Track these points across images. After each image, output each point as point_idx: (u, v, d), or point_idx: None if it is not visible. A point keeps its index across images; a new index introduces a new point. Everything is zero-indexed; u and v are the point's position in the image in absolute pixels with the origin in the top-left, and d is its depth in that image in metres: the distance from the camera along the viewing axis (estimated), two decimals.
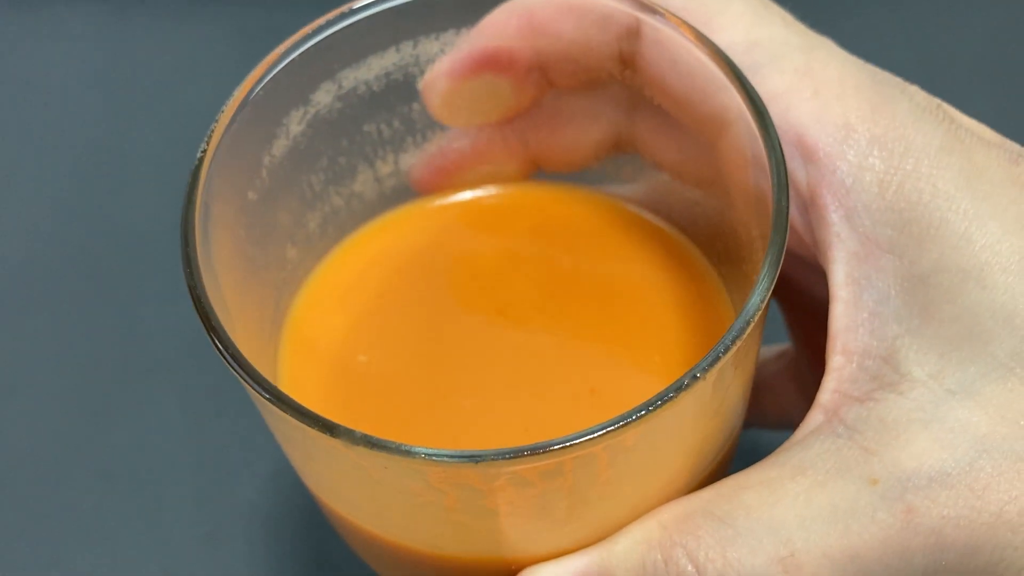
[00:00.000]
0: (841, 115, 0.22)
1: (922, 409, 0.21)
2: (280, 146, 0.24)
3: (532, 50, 0.25)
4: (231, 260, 0.22)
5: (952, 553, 0.20)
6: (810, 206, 0.22)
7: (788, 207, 0.20)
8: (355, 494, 0.21)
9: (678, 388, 0.18)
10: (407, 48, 0.25)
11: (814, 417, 0.22)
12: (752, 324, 0.19)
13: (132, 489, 0.35)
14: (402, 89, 0.26)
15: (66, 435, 0.36)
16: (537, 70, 0.26)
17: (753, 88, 0.21)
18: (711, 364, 0.18)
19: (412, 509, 0.20)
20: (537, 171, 0.29)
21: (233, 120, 0.22)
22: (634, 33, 0.24)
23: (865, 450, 0.21)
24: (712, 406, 0.20)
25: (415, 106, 0.26)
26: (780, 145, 0.20)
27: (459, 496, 0.19)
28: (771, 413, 0.30)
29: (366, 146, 0.27)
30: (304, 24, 0.23)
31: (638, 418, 0.18)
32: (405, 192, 0.28)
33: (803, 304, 0.28)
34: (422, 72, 0.26)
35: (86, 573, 0.34)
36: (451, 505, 0.19)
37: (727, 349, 0.18)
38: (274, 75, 0.23)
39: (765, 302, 0.19)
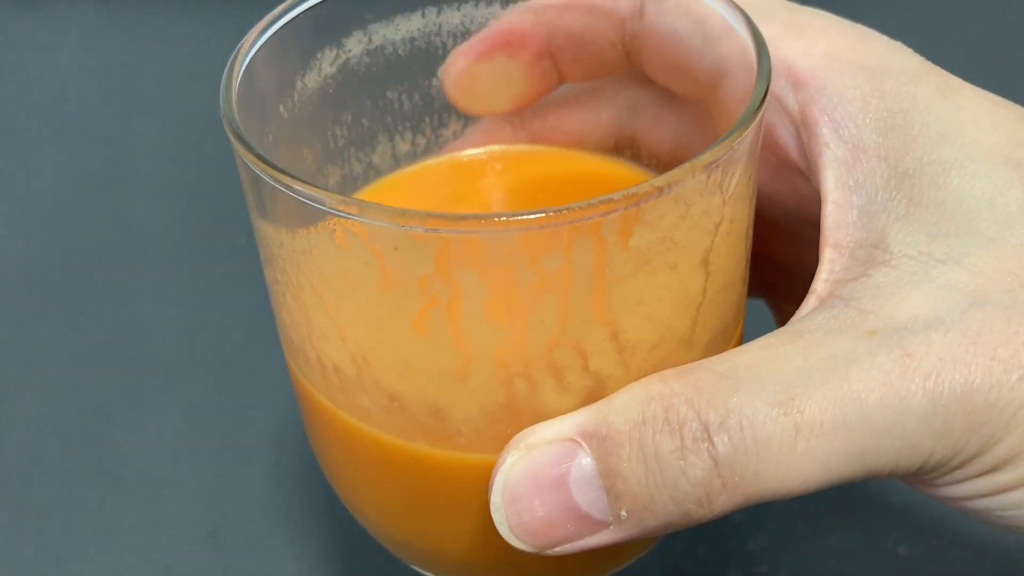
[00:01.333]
0: (826, 48, 0.24)
1: (913, 274, 0.22)
2: (312, 80, 0.27)
3: (544, 32, 0.28)
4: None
5: (950, 395, 0.21)
6: (802, 128, 0.24)
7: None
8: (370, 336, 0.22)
9: (683, 169, 0.19)
10: (431, 15, 0.28)
11: (809, 303, 0.23)
12: (758, 116, 0.20)
13: (134, 488, 0.36)
14: (424, 59, 0.29)
15: (67, 434, 0.37)
16: (547, 57, 0.28)
17: (750, 17, 0.24)
18: (718, 144, 0.20)
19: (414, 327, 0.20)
20: None
21: (269, 28, 0.24)
22: (639, 12, 0.27)
23: (861, 311, 0.22)
24: (714, 216, 0.21)
25: (434, 82, 0.29)
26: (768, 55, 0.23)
27: (461, 283, 0.20)
28: None
29: (387, 115, 0.29)
30: None
31: (638, 192, 0.19)
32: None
33: (791, 301, 0.30)
34: (443, 43, 0.29)
35: (87, 572, 0.34)
36: (453, 301, 0.20)
37: (733, 133, 0.20)
38: (310, 6, 0.25)
39: (765, 92, 0.21)
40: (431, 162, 0.30)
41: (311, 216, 0.20)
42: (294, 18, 0.26)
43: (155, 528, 0.34)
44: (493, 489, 0.21)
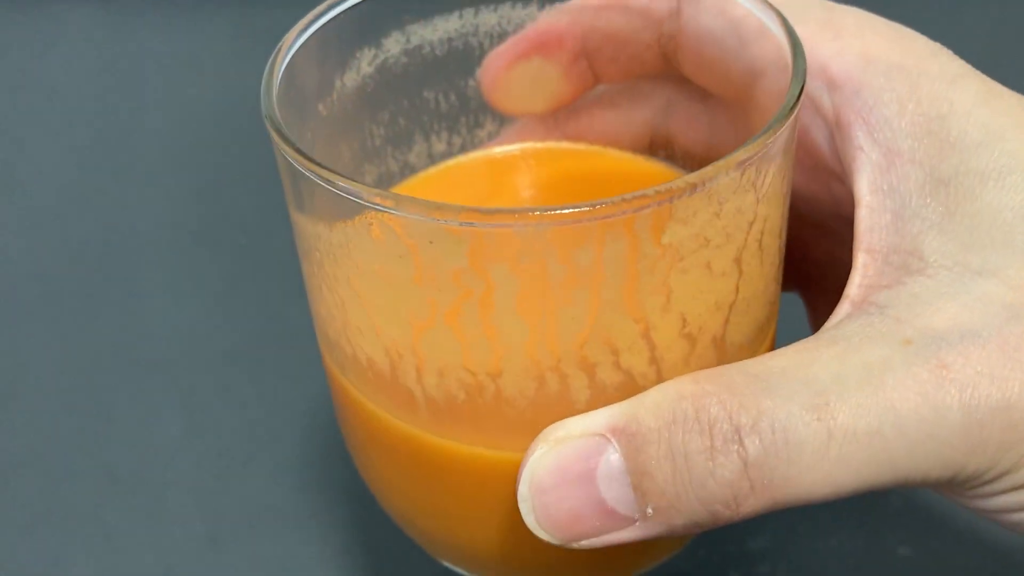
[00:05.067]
0: (862, 49, 0.25)
1: (950, 285, 0.22)
2: (351, 79, 0.28)
3: (580, 33, 0.29)
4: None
5: (986, 409, 0.21)
6: (836, 129, 0.25)
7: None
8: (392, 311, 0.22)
9: (717, 165, 0.20)
10: (468, 16, 0.29)
11: (843, 308, 0.23)
12: (792, 114, 0.21)
13: (134, 489, 0.36)
14: (462, 59, 0.30)
15: (67, 435, 0.38)
16: (583, 59, 0.29)
17: (785, 17, 0.24)
18: (752, 142, 0.20)
19: (445, 314, 0.21)
20: None
21: (308, 29, 0.25)
22: (675, 13, 0.27)
23: (897, 320, 0.22)
24: (747, 215, 0.21)
25: (471, 82, 0.30)
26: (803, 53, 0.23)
27: (493, 277, 0.20)
28: None
29: (424, 114, 0.30)
30: None
31: (672, 188, 0.19)
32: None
33: (827, 300, 0.30)
34: (480, 43, 0.30)
35: (87, 573, 0.35)
36: (486, 296, 0.21)
37: (767, 132, 0.20)
38: (349, 7, 0.26)
39: (800, 91, 0.22)
40: (465, 159, 0.31)
41: (348, 210, 0.21)
42: (334, 17, 0.27)
43: (155, 529, 0.35)
44: (521, 480, 0.22)
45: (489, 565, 0.26)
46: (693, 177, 0.20)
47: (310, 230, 0.23)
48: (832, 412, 0.21)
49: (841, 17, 0.25)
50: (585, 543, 0.22)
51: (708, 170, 0.20)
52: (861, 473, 0.21)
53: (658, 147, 0.31)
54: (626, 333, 0.22)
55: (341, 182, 0.21)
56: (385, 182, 0.30)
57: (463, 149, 0.31)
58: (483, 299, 0.21)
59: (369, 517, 0.35)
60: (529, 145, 0.31)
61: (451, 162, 0.31)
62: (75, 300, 0.40)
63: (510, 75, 0.30)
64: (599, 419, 0.22)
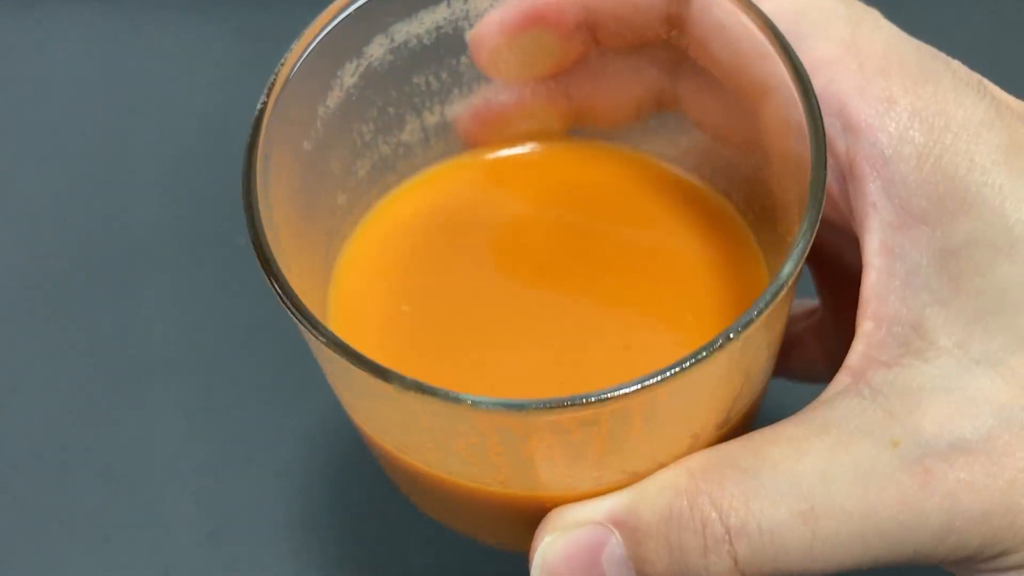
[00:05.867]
0: (884, 88, 0.23)
1: (946, 377, 0.22)
2: (334, 98, 0.26)
3: (581, 7, 0.26)
4: (287, 209, 0.24)
5: (965, 515, 0.22)
6: (848, 175, 0.24)
7: (825, 179, 0.21)
8: (402, 432, 0.23)
9: (710, 348, 0.20)
10: (457, 3, 0.26)
11: (841, 379, 0.24)
12: (784, 291, 0.20)
13: (133, 489, 0.37)
14: (451, 42, 0.28)
15: (67, 435, 0.38)
16: (585, 27, 0.28)
17: (798, 58, 0.23)
18: (743, 327, 0.20)
19: (456, 448, 0.22)
20: (578, 126, 0.30)
21: (291, 74, 0.24)
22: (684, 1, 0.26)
23: (888, 413, 0.22)
24: (742, 365, 0.22)
25: (463, 59, 0.29)
26: (821, 117, 0.22)
27: (500, 439, 0.21)
28: (798, 367, 0.31)
29: (415, 97, 0.28)
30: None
31: (671, 375, 0.19)
32: (450, 143, 0.30)
33: (832, 269, 0.30)
34: (471, 25, 0.28)
35: (86, 573, 0.35)
36: (493, 447, 0.21)
37: (759, 313, 0.20)
38: (330, 31, 0.24)
39: (797, 270, 0.21)
40: (467, 158, 0.29)
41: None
42: (308, 56, 0.24)
43: (155, 529, 0.35)
44: (533, 567, 0.23)
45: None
46: (679, 368, 0.20)
47: (330, 359, 0.22)
48: (816, 516, 0.22)
49: (866, 38, 0.24)
50: None
51: (694, 364, 0.20)
52: (843, 565, 0.22)
53: (667, 108, 0.29)
54: (634, 456, 0.23)
55: (351, 365, 0.20)
56: (379, 168, 0.29)
57: (456, 124, 0.30)
58: (490, 447, 0.21)
59: (369, 516, 0.35)
60: (533, 147, 0.29)
61: (451, 160, 0.29)
62: (75, 300, 0.39)
63: (505, 45, 0.28)
64: (602, 509, 0.23)
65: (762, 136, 0.26)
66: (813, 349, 0.32)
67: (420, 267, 0.28)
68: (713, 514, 0.22)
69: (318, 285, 0.27)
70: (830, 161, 0.24)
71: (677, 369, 0.20)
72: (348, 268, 0.28)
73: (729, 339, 0.20)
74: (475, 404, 0.20)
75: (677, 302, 0.26)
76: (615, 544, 0.22)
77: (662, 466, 0.23)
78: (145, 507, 0.35)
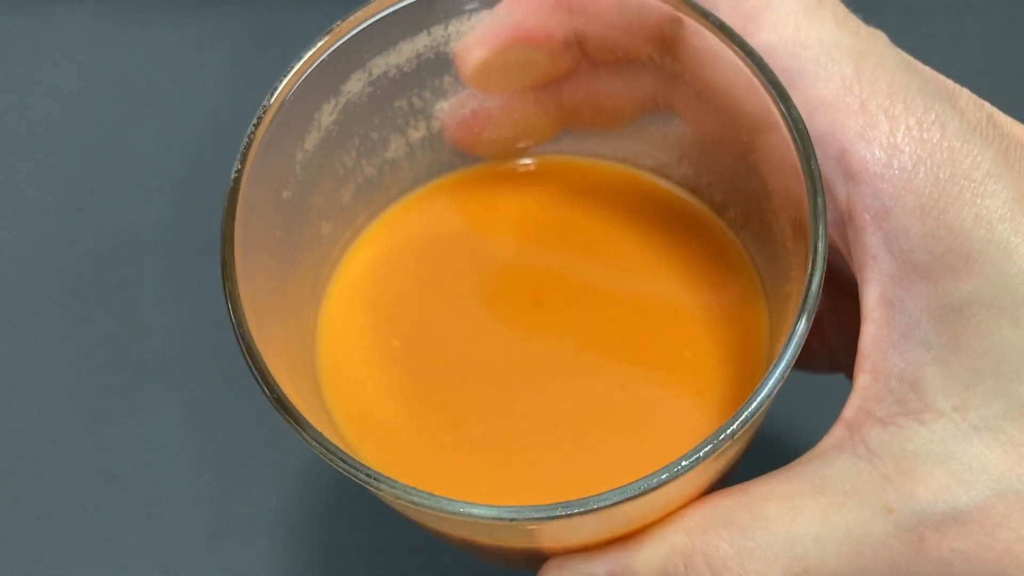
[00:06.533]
0: (888, 134, 0.22)
1: (943, 442, 0.22)
2: (312, 139, 0.26)
3: (569, 28, 0.26)
4: (267, 263, 0.23)
5: None
6: (848, 222, 0.23)
7: (820, 284, 0.21)
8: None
9: (698, 453, 0.20)
10: (438, 31, 0.26)
11: (837, 432, 0.23)
12: (769, 400, 0.20)
13: (133, 489, 0.36)
14: (433, 66, 0.27)
15: (67, 435, 0.37)
16: (574, 45, 0.27)
17: (795, 107, 0.22)
18: (722, 440, 0.20)
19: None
20: (569, 128, 0.29)
21: (267, 130, 0.23)
22: (677, 20, 0.25)
23: (884, 477, 0.22)
24: (733, 448, 0.21)
25: (446, 78, 0.28)
26: (822, 187, 0.21)
27: (496, 534, 0.21)
28: (796, 362, 0.31)
29: (397, 119, 0.28)
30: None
31: (659, 483, 0.19)
32: (437, 151, 0.29)
33: (831, 278, 0.29)
34: (453, 51, 0.26)
35: (86, 573, 0.35)
36: (488, 534, 0.21)
37: (743, 422, 0.20)
38: (306, 76, 0.23)
39: (784, 374, 0.21)
40: (462, 173, 0.28)
41: None
42: (287, 101, 0.23)
43: (153, 529, 0.35)
44: None
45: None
46: (665, 482, 0.20)
47: None
48: None
49: (869, 75, 0.23)
50: None
51: (683, 466, 0.20)
52: None
53: (661, 110, 0.28)
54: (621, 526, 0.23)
55: (345, 470, 0.20)
56: (364, 189, 0.28)
57: (443, 129, 0.29)
58: (487, 533, 0.22)
59: (369, 517, 0.35)
60: (527, 161, 0.28)
61: (446, 178, 0.28)
62: (74, 300, 0.39)
63: (491, 61, 0.26)
64: (598, 567, 0.23)
65: (759, 159, 0.25)
66: (811, 343, 0.32)
67: (410, 298, 0.27)
68: (708, 574, 0.22)
69: (306, 322, 0.27)
70: (829, 207, 0.23)
71: (665, 477, 0.20)
72: (337, 298, 0.27)
73: (716, 445, 0.20)
74: (467, 515, 0.19)
75: (673, 340, 0.26)
76: None
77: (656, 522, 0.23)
78: (145, 507, 0.35)
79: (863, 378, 0.23)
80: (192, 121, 0.40)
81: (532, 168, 0.29)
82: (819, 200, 0.21)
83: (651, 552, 0.23)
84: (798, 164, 0.22)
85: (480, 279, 0.27)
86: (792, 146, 0.22)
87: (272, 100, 0.23)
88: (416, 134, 0.28)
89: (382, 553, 0.34)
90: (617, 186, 0.28)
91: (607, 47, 0.26)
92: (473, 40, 0.26)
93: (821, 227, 0.21)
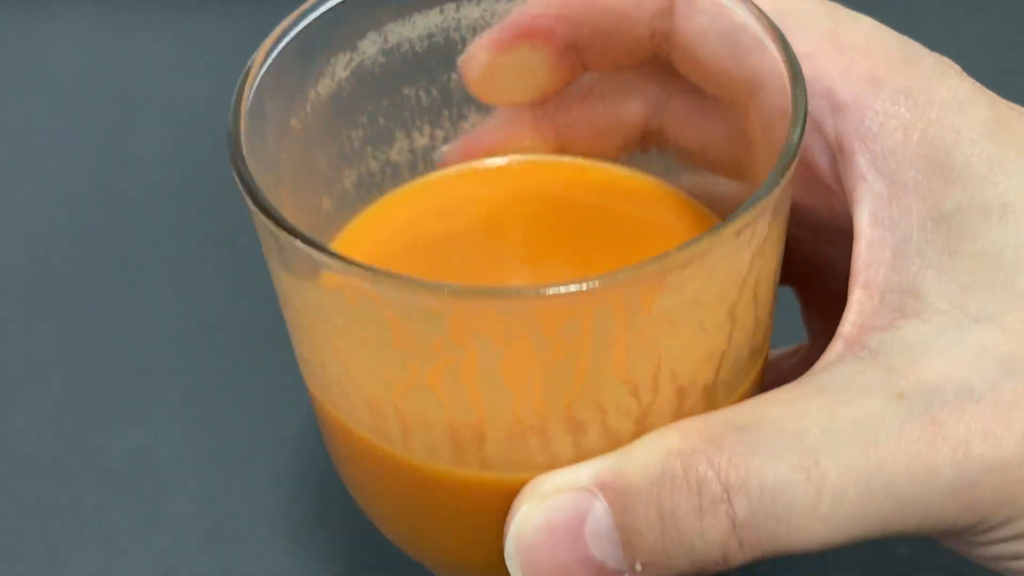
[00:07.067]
0: (868, 69, 0.24)
1: (946, 332, 0.22)
2: (325, 87, 0.27)
3: (569, 25, 0.27)
4: (274, 175, 0.24)
5: (979, 469, 0.21)
6: (838, 154, 0.24)
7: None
8: (363, 372, 0.22)
9: (712, 240, 0.19)
10: (450, 10, 0.28)
11: (835, 347, 0.23)
12: (793, 163, 0.20)
13: (132, 489, 0.37)
14: (443, 54, 0.29)
15: (67, 435, 0.38)
16: (572, 49, 0.28)
17: (786, 39, 0.23)
18: (745, 212, 0.20)
19: (425, 380, 0.21)
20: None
21: (277, 44, 0.24)
22: (668, 9, 0.26)
23: (889, 369, 0.22)
24: (742, 271, 0.21)
25: (453, 76, 0.29)
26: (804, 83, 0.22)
27: (477, 348, 0.20)
28: None
29: (404, 111, 0.29)
30: None
31: (665, 259, 0.19)
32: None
33: (821, 296, 0.29)
34: (463, 37, 0.29)
35: (86, 573, 0.35)
36: (468, 365, 0.20)
37: (761, 198, 0.20)
38: (321, 14, 0.25)
39: (800, 139, 0.21)
40: (450, 171, 0.29)
41: (327, 274, 0.21)
42: (304, 29, 0.25)
43: (152, 529, 0.35)
44: (508, 538, 0.22)
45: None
46: (686, 254, 0.19)
47: (286, 282, 0.22)
48: (822, 471, 0.20)
49: (847, 29, 0.24)
50: None
51: (703, 243, 0.19)
52: (851, 530, 0.21)
53: (650, 142, 0.30)
54: (614, 392, 0.21)
55: (318, 255, 0.20)
56: (366, 182, 0.29)
57: (446, 141, 0.30)
58: (466, 367, 0.21)
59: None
60: (516, 158, 0.30)
61: (434, 175, 0.30)
62: (74, 300, 0.40)
63: (495, 65, 0.28)
64: (586, 473, 0.21)
65: (751, 149, 0.26)
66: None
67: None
68: (710, 472, 0.21)
69: None
70: (820, 141, 0.24)
71: (673, 254, 0.19)
72: None
73: (737, 218, 0.19)
74: (453, 292, 0.19)
75: None
76: (600, 512, 0.21)
77: (647, 424, 0.22)
78: (145, 507, 0.35)
79: (858, 293, 0.23)
80: (192, 121, 0.41)
81: (523, 166, 0.30)
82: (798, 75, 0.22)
83: (643, 454, 0.21)
84: (789, 95, 0.23)
85: (468, 261, 0.28)
86: (785, 74, 0.23)
87: (285, 23, 0.25)
88: (420, 140, 0.30)
89: (382, 553, 0.33)
90: (604, 178, 0.29)
91: (603, 44, 0.28)
92: (478, 44, 0.28)
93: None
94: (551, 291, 0.19)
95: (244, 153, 0.22)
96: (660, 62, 0.28)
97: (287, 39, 0.25)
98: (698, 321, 0.21)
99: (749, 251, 0.21)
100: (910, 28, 0.25)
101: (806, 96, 0.22)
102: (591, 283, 0.19)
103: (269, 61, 0.24)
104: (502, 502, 0.22)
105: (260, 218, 0.21)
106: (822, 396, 0.21)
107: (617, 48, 0.28)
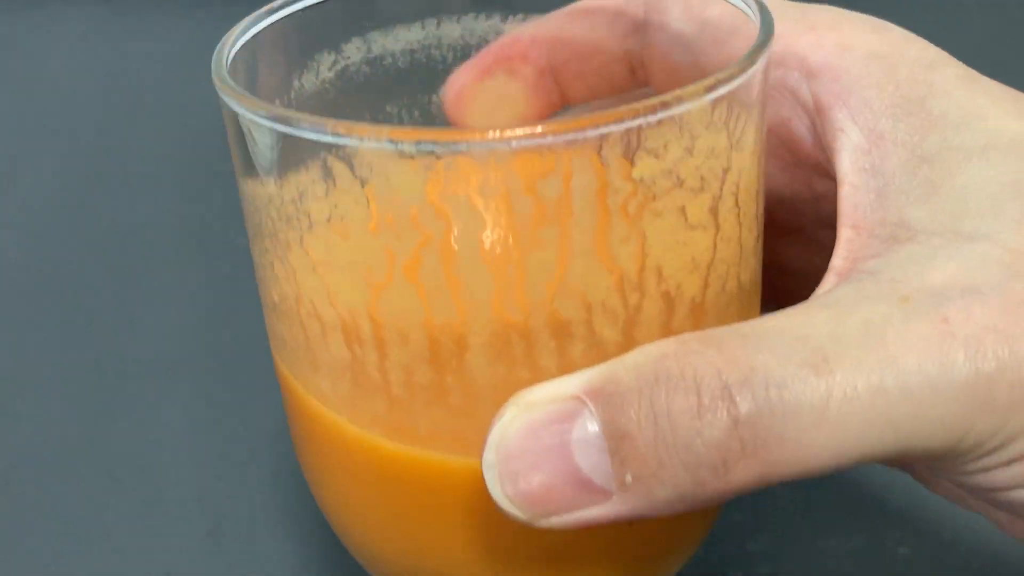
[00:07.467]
0: (838, 39, 0.25)
1: (943, 248, 0.21)
2: (309, 82, 0.28)
3: (545, 47, 0.29)
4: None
5: (993, 364, 0.20)
6: (816, 116, 0.25)
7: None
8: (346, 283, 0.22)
9: (686, 89, 0.19)
10: (431, 26, 0.29)
11: (828, 280, 0.23)
12: (763, 53, 0.21)
13: (133, 487, 0.37)
14: (424, 74, 0.30)
15: (67, 434, 0.38)
16: (549, 75, 0.29)
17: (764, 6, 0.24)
18: (722, 72, 0.20)
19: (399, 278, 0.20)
20: None
21: (273, 13, 0.26)
22: (641, 27, 0.27)
23: (892, 281, 0.21)
24: (721, 160, 0.21)
25: (434, 99, 0.30)
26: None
27: (454, 216, 0.20)
28: None
29: None
30: None
31: (639, 108, 0.19)
32: None
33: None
34: (444, 56, 0.30)
35: (86, 573, 0.35)
36: (447, 241, 0.20)
37: (737, 65, 0.20)
38: (305, 8, 0.26)
39: (768, 27, 0.22)
40: None
41: (299, 155, 0.21)
42: (291, 14, 0.26)
43: (155, 528, 0.35)
44: (487, 446, 0.20)
45: None
46: (661, 98, 0.19)
47: (260, 193, 0.22)
48: (831, 368, 0.19)
49: (816, 13, 0.26)
50: (556, 520, 0.20)
51: (677, 92, 0.19)
52: (862, 436, 0.20)
53: None
54: (599, 284, 0.21)
55: (295, 117, 0.20)
56: None
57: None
58: (444, 245, 0.20)
59: None
60: None
61: None
62: (75, 300, 0.41)
63: (474, 93, 0.29)
64: (574, 381, 0.20)
65: None
66: None
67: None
68: (710, 369, 0.19)
69: None
70: (799, 111, 0.25)
71: (652, 104, 0.19)
72: None
73: (710, 88, 0.19)
74: (433, 136, 0.18)
75: None
76: (589, 419, 0.19)
77: (635, 336, 0.21)
78: (145, 507, 0.36)
79: (846, 232, 0.23)
80: (192, 121, 0.42)
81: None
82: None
83: (639, 358, 0.20)
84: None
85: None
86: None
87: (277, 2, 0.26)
88: None
89: None
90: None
91: (578, 69, 0.29)
92: (456, 72, 0.29)
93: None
94: (527, 130, 0.18)
95: (226, 64, 0.22)
96: (636, 87, 0.29)
97: (275, 16, 0.26)
98: (680, 205, 0.21)
99: (726, 134, 0.21)
100: (911, 28, 0.26)
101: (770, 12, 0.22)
102: (568, 124, 0.18)
103: (259, 27, 0.25)
104: (474, 490, 0.21)
105: (231, 99, 0.21)
106: (826, 310, 0.21)
107: (593, 68, 0.29)
